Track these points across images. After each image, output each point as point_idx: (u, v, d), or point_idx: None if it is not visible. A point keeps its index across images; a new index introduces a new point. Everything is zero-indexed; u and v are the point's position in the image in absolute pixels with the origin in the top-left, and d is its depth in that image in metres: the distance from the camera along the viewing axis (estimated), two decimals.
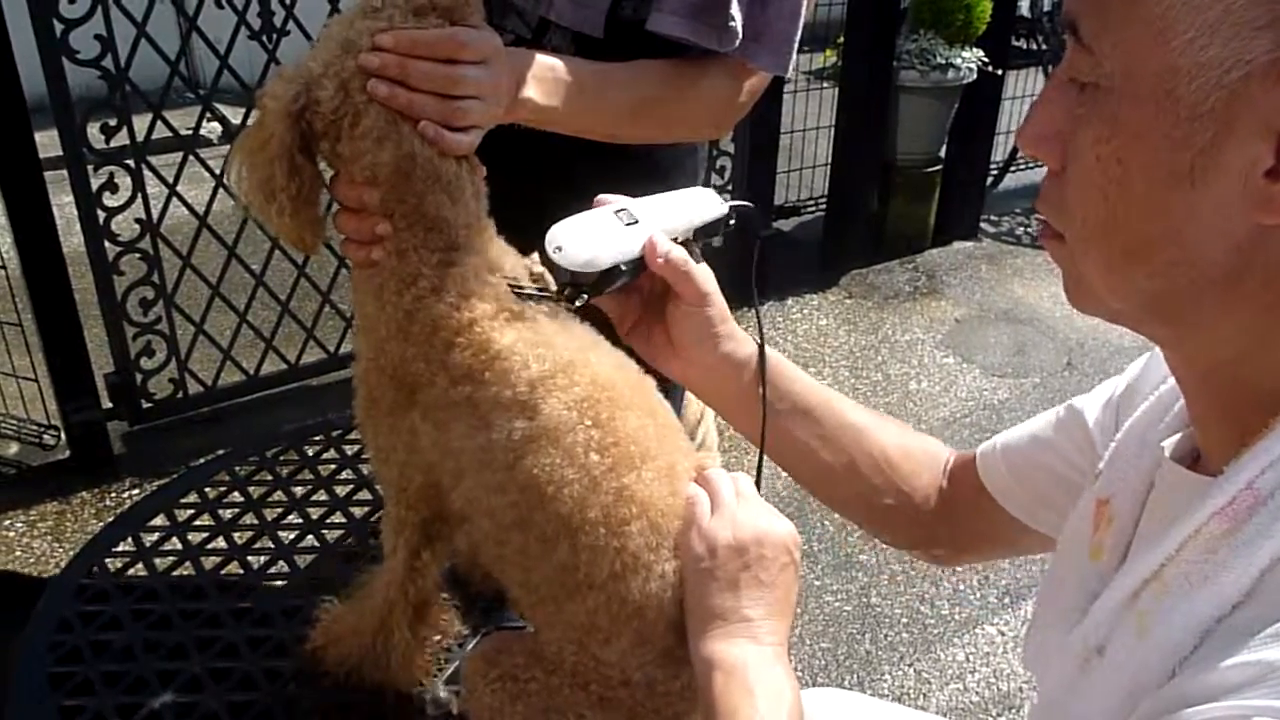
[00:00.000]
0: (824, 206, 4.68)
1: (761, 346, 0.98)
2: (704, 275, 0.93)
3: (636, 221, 0.91)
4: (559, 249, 0.88)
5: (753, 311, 1.02)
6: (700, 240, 0.97)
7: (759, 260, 1.04)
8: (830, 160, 4.53)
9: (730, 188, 4.07)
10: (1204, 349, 0.62)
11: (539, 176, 1.27)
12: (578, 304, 0.91)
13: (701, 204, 0.98)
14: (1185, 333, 0.62)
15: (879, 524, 1.06)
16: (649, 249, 0.90)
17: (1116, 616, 0.64)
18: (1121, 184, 0.58)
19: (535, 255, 0.92)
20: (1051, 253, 0.66)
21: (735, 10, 1.17)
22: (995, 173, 5.35)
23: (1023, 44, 5.88)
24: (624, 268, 0.90)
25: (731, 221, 0.99)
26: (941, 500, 1.02)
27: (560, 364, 0.87)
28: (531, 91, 1.07)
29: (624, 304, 0.97)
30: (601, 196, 0.96)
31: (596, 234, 0.90)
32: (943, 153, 4.61)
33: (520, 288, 0.91)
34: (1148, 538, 0.68)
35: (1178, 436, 0.71)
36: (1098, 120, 0.59)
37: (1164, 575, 0.60)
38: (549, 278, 0.90)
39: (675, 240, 0.93)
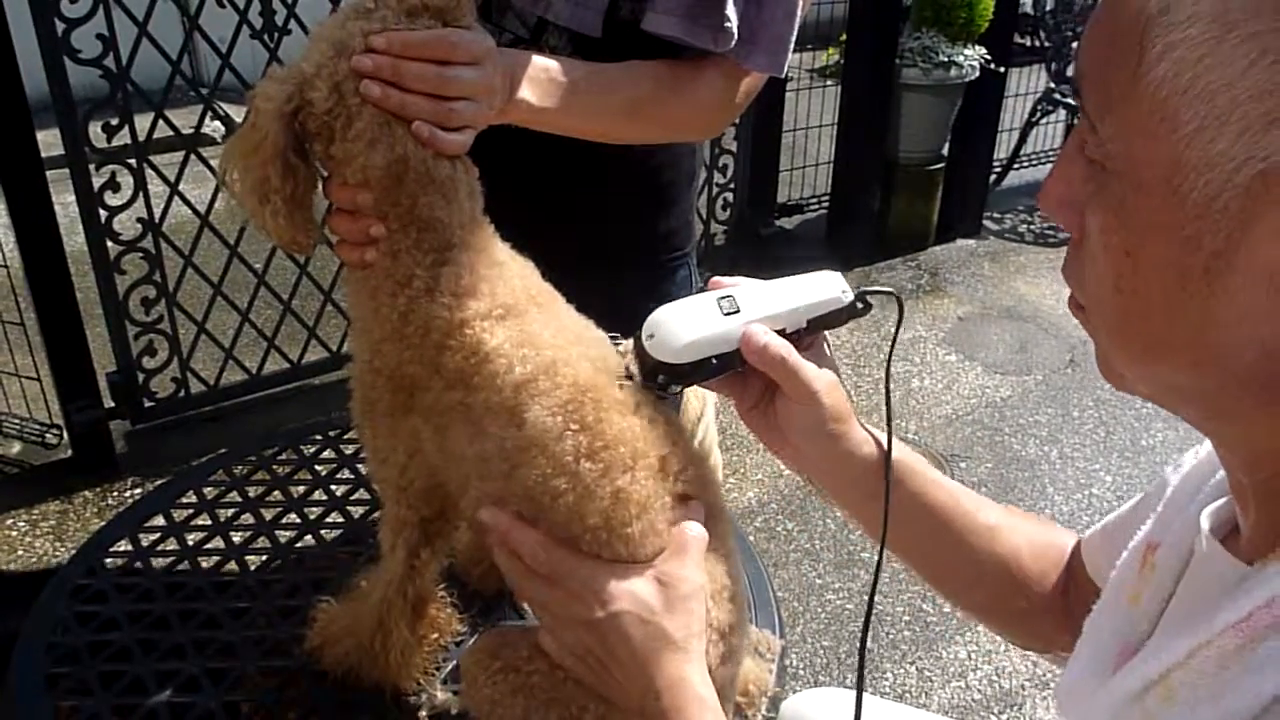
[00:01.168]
0: (826, 204, 4.68)
1: (889, 457, 0.89)
2: (812, 372, 0.87)
3: (738, 310, 0.87)
4: (651, 336, 0.86)
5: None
6: (818, 330, 0.90)
7: (892, 347, 0.95)
8: (833, 158, 4.53)
9: (733, 186, 4.07)
10: (1244, 441, 0.58)
11: (534, 177, 1.27)
12: (668, 394, 0.89)
13: (819, 291, 0.90)
14: (1222, 426, 0.59)
15: (1008, 626, 0.99)
16: (745, 342, 0.86)
17: (1124, 712, 0.61)
18: (1133, 279, 0.55)
19: (629, 341, 0.90)
20: (1081, 323, 0.62)
21: (731, 11, 1.17)
22: (998, 170, 5.34)
23: (1025, 41, 5.87)
24: (717, 360, 0.87)
25: (860, 307, 0.91)
26: (1063, 595, 0.95)
27: (543, 366, 0.87)
28: (526, 92, 1.07)
29: (738, 385, 0.91)
30: (716, 280, 0.91)
31: (693, 323, 0.86)
32: (945, 150, 4.60)
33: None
34: (1175, 619, 0.65)
35: (1220, 503, 0.67)
36: (1105, 206, 0.55)
37: (1172, 681, 0.57)
38: (633, 362, 0.88)
39: (784, 331, 0.88)
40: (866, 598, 2.70)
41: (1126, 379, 0.60)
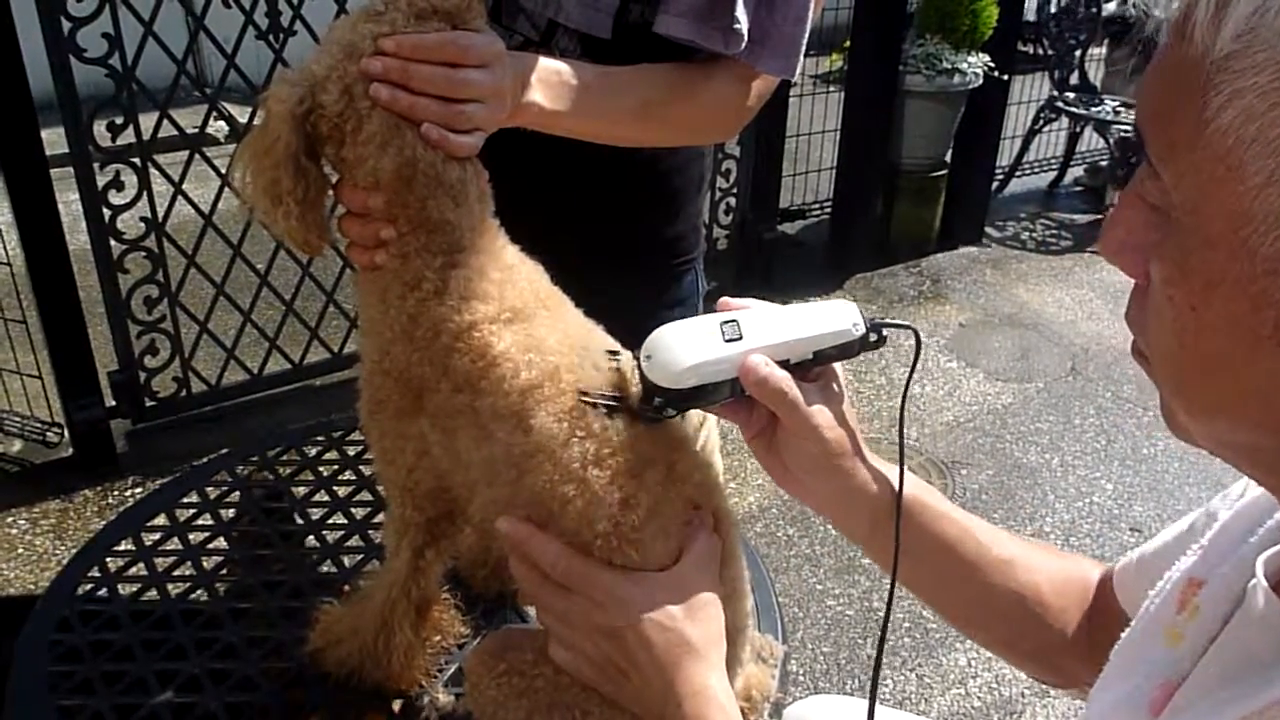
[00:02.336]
0: (829, 210, 4.69)
1: (899, 498, 0.87)
2: (814, 407, 0.84)
3: (741, 337, 0.84)
4: (648, 358, 0.84)
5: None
6: (826, 362, 0.87)
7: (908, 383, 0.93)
8: (836, 164, 4.53)
9: (736, 191, 4.07)
10: None
11: (544, 180, 1.27)
12: (661, 418, 0.86)
13: (829, 321, 0.86)
14: None
15: (1028, 661, 0.96)
16: (743, 372, 0.83)
17: None
18: (1196, 335, 0.52)
19: (626, 356, 0.88)
20: (1145, 371, 0.59)
21: (740, 13, 1.17)
22: (1000, 178, 5.34)
23: (1028, 49, 5.87)
24: (716, 387, 0.84)
25: (873, 340, 0.87)
26: (1088, 630, 0.91)
27: (548, 371, 0.87)
28: (536, 95, 1.06)
29: (742, 411, 0.88)
30: (725, 300, 0.88)
31: (693, 347, 0.83)
32: (948, 157, 4.61)
33: (588, 397, 0.85)
34: (1216, 668, 0.62)
35: (1277, 549, 0.63)
36: (1168, 257, 0.53)
37: None
38: (631, 380, 0.86)
39: (788, 361, 0.84)
40: (866, 604, 2.68)
41: (1189, 432, 0.58)
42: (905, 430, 0.93)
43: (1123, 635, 0.74)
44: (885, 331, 0.88)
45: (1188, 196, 0.51)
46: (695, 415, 2.17)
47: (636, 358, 0.85)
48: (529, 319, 0.91)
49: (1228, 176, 0.48)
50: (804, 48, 1.25)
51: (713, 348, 0.83)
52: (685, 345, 0.83)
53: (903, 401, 0.94)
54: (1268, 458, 0.54)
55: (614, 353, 0.89)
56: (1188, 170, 0.50)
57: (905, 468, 0.88)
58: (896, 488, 0.87)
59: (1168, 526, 0.86)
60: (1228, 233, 0.49)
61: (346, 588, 1.18)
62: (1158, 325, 0.55)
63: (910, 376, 0.94)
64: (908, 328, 0.89)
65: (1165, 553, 0.82)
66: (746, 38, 1.19)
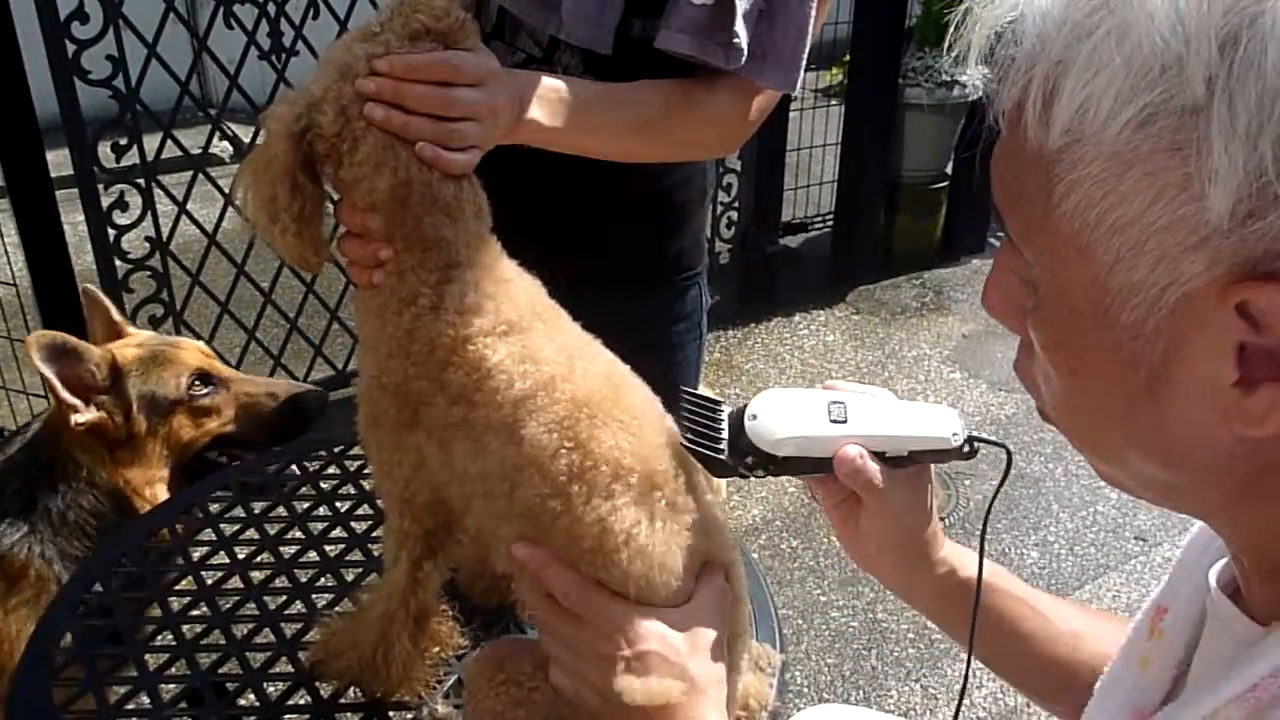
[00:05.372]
0: (831, 223, 4.69)
1: (978, 589, 0.90)
2: (899, 502, 0.88)
3: (845, 420, 0.87)
4: (754, 417, 0.87)
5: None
6: (920, 462, 0.89)
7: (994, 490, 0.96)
8: (837, 177, 4.54)
9: (737, 204, 4.09)
10: (1231, 529, 0.58)
11: (546, 197, 1.28)
12: (751, 475, 0.89)
13: (931, 426, 0.89)
14: (1206, 517, 0.59)
15: None
16: (839, 459, 0.86)
17: None
18: (1081, 394, 0.56)
19: (727, 408, 0.90)
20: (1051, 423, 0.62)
21: (740, 28, 1.18)
22: None
23: None
24: (810, 461, 0.87)
25: (967, 451, 0.89)
26: None
27: (542, 381, 0.87)
28: (536, 112, 1.07)
29: (828, 483, 0.90)
30: (832, 383, 0.91)
31: (798, 419, 0.87)
32: (949, 169, 4.62)
33: (691, 445, 0.88)
34: (1195, 683, 0.64)
35: (1224, 562, 0.66)
36: (1042, 326, 0.56)
37: None
38: (724, 421, 0.88)
39: (883, 455, 0.86)
40: (870, 616, 2.67)
41: (1107, 476, 0.61)
42: None
43: (1105, 670, 0.76)
44: (980, 446, 0.90)
45: (1047, 273, 0.54)
46: None
47: (741, 411, 0.88)
48: (524, 331, 0.91)
49: (1079, 257, 0.51)
50: (805, 61, 1.26)
51: (817, 425, 0.86)
52: (792, 416, 0.87)
53: (987, 513, 0.97)
54: (1179, 494, 0.57)
55: (716, 402, 0.91)
56: (1043, 250, 0.53)
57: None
58: (966, 575, 0.91)
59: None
60: (1089, 304, 0.52)
61: (347, 600, 1.19)
62: (1046, 384, 0.58)
63: (997, 491, 0.97)
64: (1002, 445, 0.91)
65: None
66: (747, 52, 1.20)
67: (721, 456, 0.87)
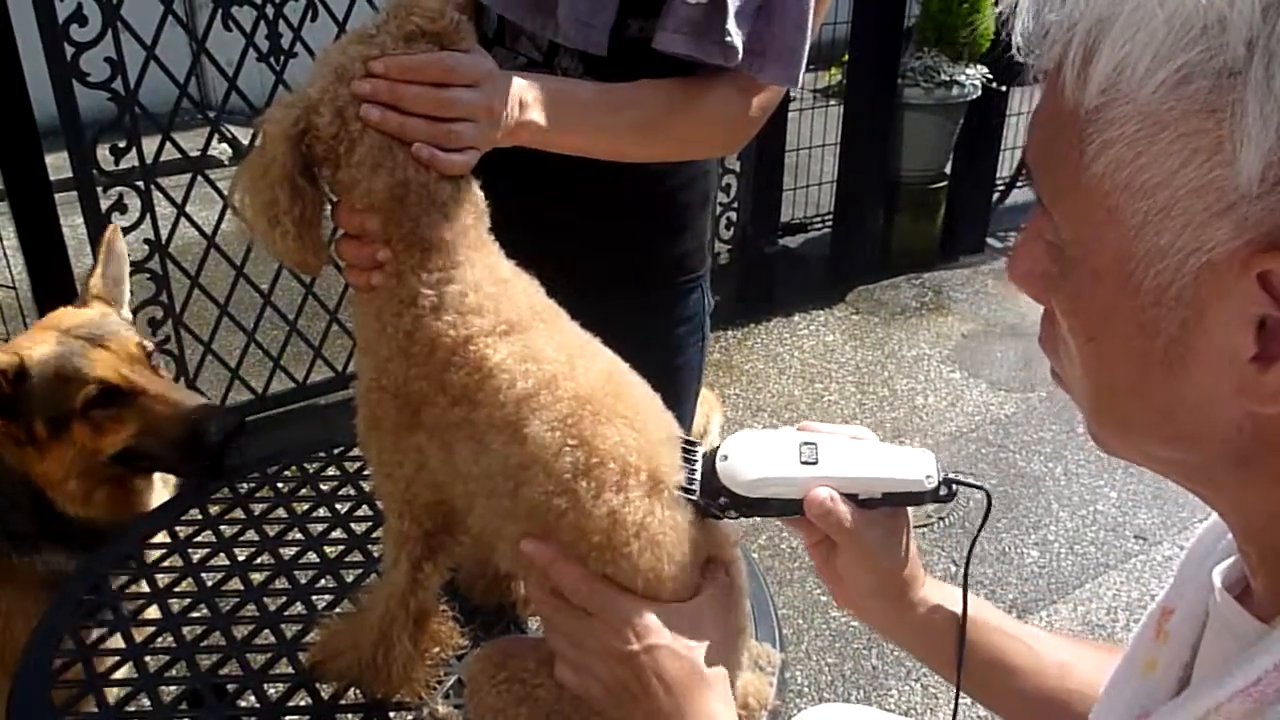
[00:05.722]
0: (830, 223, 4.69)
1: (963, 627, 0.90)
2: (873, 544, 0.87)
3: (816, 462, 0.86)
4: (725, 458, 0.87)
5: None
6: (893, 504, 0.88)
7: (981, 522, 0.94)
8: (836, 177, 4.54)
9: (736, 205, 4.09)
10: (1233, 510, 0.59)
11: (547, 199, 1.28)
12: (721, 517, 0.90)
13: (904, 468, 0.87)
14: (1211, 495, 0.59)
15: None
16: (809, 501, 0.86)
17: None
18: (1098, 361, 0.56)
19: (703, 448, 0.91)
20: (1064, 390, 0.62)
21: (731, 26, 1.17)
22: (1001, 188, 5.34)
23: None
24: (781, 503, 0.87)
25: (943, 494, 0.87)
26: None
27: (544, 380, 0.88)
28: (534, 114, 1.07)
29: (805, 523, 0.90)
30: (806, 424, 0.91)
31: (769, 460, 0.87)
32: (948, 169, 4.61)
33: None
34: (1201, 679, 0.64)
35: (1231, 561, 0.66)
36: (1065, 290, 0.56)
37: None
38: (698, 462, 0.89)
39: (856, 496, 0.86)
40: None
41: (1112, 447, 0.61)
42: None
43: (1109, 675, 0.76)
44: (956, 489, 0.89)
45: (1075, 235, 0.54)
46: (698, 425, 2.17)
47: (714, 453, 0.88)
48: (525, 331, 0.92)
49: (1108, 219, 0.51)
50: (805, 56, 1.25)
51: (787, 466, 0.87)
52: (762, 457, 0.87)
53: (968, 558, 0.97)
54: (1184, 471, 0.57)
55: (691, 443, 0.92)
56: (1072, 212, 0.54)
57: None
58: (949, 612, 0.91)
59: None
60: (1113, 268, 0.52)
61: (346, 602, 1.19)
62: (1065, 352, 0.58)
63: (977, 534, 0.96)
64: (980, 488, 0.91)
65: None
66: (743, 50, 1.19)
67: (694, 498, 0.88)
